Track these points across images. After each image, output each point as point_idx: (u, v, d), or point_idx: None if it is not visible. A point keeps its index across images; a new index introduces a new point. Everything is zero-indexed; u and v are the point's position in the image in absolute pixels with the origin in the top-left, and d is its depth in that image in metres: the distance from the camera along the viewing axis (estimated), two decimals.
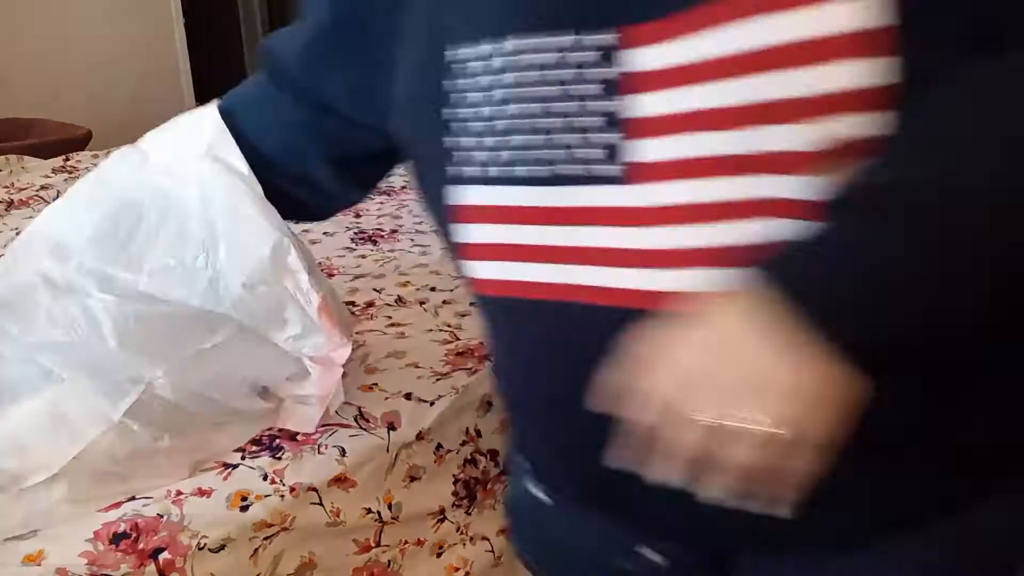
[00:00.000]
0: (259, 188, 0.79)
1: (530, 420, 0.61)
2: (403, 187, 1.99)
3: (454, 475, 0.99)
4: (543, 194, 0.49)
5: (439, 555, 0.99)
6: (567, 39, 0.46)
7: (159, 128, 0.90)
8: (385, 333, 1.15)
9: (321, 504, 0.84)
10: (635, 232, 0.46)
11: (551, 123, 0.48)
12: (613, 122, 0.46)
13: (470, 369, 1.03)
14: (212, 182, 0.80)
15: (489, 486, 1.03)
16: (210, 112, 0.80)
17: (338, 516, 0.86)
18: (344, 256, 1.48)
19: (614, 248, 0.47)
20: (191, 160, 0.82)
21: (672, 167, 0.45)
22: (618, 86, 0.46)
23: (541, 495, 0.63)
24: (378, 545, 0.91)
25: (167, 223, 0.82)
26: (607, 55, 0.45)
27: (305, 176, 0.74)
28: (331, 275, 1.37)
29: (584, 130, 0.47)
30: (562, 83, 0.47)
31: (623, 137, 0.46)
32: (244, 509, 0.79)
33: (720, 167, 0.43)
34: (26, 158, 2.22)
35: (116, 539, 0.73)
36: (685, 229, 0.45)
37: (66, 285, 0.81)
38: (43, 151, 2.37)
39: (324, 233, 1.57)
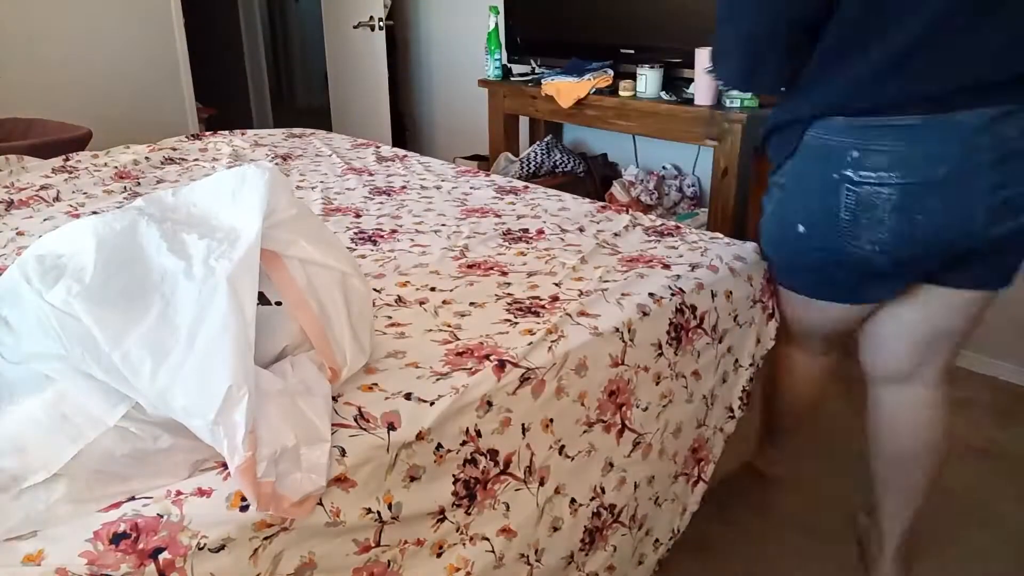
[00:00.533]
0: (251, 333, 0.80)
1: None
2: (403, 187, 1.99)
3: (454, 475, 0.99)
4: None
5: (439, 555, 0.99)
6: None
7: (219, 186, 0.95)
8: (385, 333, 1.15)
9: (321, 504, 0.84)
10: None
11: None
12: None
13: (470, 369, 1.04)
14: (218, 297, 0.81)
15: (489, 486, 1.03)
16: (257, 221, 0.86)
17: (338, 516, 0.86)
18: None
19: None
20: (217, 259, 0.83)
21: None
22: None
23: None
24: (378, 545, 0.91)
25: (161, 307, 0.82)
26: None
27: None
28: None
29: None
30: None
31: None
32: (244, 509, 0.79)
33: None
34: (26, 158, 2.22)
35: (116, 539, 0.73)
36: None
37: (60, 303, 0.81)
38: (43, 151, 2.37)
39: None
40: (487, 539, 1.03)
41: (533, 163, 3.04)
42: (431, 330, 1.16)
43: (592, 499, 1.19)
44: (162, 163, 2.24)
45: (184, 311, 0.81)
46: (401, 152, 2.44)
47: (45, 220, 1.71)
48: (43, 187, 1.95)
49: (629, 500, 1.26)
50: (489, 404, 1.02)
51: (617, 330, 1.19)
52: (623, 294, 1.29)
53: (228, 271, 0.82)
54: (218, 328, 0.79)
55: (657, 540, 1.36)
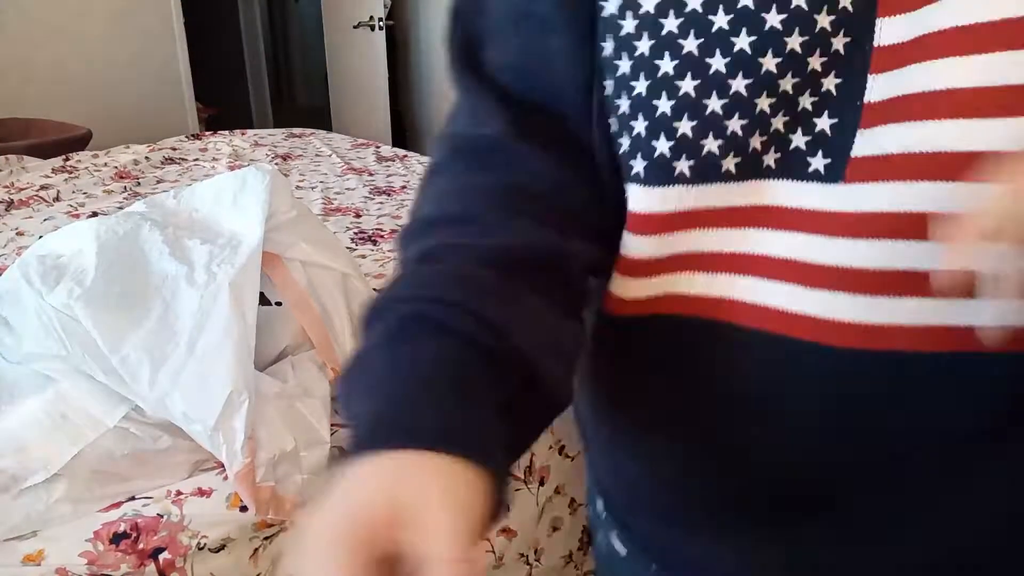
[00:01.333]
0: (252, 339, 0.80)
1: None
2: (403, 187, 1.99)
3: None
4: None
5: None
6: None
7: (221, 190, 0.94)
8: None
9: None
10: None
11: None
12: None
13: None
14: (219, 303, 0.81)
15: None
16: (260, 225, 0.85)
17: None
18: None
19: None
20: (219, 265, 0.84)
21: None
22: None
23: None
24: None
25: (161, 311, 0.82)
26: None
27: None
28: None
29: None
30: None
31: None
32: (244, 509, 0.78)
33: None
34: (26, 158, 2.22)
35: (116, 539, 0.73)
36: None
37: (60, 304, 0.81)
38: (43, 151, 2.37)
39: None
40: (487, 539, 1.03)
41: None
42: None
43: None
44: (162, 163, 2.24)
45: (185, 316, 0.81)
46: (401, 152, 2.44)
47: (45, 220, 1.70)
48: (43, 187, 1.95)
49: None
50: None
51: None
52: None
53: (230, 277, 0.82)
54: (219, 334, 0.79)
55: None
